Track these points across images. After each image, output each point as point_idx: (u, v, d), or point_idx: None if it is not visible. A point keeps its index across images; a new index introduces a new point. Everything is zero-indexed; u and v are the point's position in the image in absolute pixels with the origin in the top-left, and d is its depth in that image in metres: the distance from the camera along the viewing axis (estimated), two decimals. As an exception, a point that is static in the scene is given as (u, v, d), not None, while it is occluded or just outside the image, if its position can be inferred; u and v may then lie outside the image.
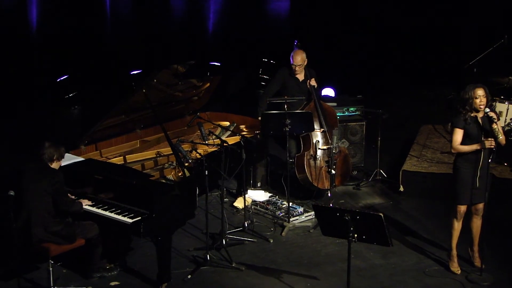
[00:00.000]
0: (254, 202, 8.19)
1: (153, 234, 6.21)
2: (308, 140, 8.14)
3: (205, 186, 6.60)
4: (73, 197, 6.40)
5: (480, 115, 6.34)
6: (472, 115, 6.33)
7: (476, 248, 6.72)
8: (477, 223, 6.63)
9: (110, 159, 7.30)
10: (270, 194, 8.42)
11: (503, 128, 8.61)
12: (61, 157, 6.24)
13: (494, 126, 6.25)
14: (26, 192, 6.09)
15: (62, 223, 6.16)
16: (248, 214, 7.84)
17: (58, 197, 6.11)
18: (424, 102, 12.11)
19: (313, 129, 8.04)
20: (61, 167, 6.36)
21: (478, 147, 6.27)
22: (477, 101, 6.28)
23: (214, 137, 7.43)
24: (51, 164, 6.17)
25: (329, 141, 8.05)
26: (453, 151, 6.49)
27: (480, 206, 6.53)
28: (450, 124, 6.46)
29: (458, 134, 6.34)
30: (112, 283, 6.47)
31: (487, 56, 9.69)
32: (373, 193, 8.75)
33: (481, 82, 6.45)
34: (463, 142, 6.37)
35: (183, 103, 8.10)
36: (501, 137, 6.33)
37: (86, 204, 6.37)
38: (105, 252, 6.53)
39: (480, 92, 6.28)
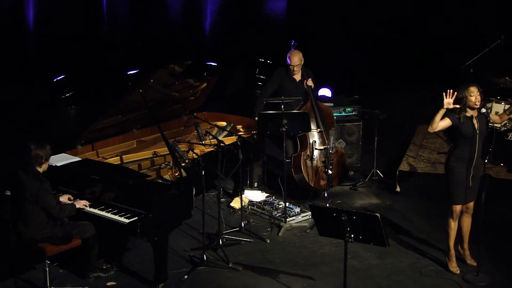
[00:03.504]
0: (250, 202, 8.19)
1: (149, 234, 6.20)
2: (305, 140, 8.14)
3: (202, 186, 6.60)
4: (63, 200, 6.37)
5: (475, 114, 6.36)
6: (467, 114, 6.34)
7: (466, 246, 6.75)
8: (467, 221, 6.67)
9: (106, 159, 7.30)
10: (266, 194, 8.41)
11: (499, 128, 8.61)
12: (48, 156, 6.15)
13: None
14: (20, 195, 6.06)
15: (56, 226, 6.14)
16: (245, 214, 7.84)
17: (45, 207, 6.05)
18: (421, 103, 12.10)
19: (309, 129, 8.05)
20: (58, 167, 6.34)
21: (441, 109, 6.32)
22: (472, 98, 6.30)
23: (211, 137, 7.42)
24: (40, 167, 6.10)
25: (326, 141, 8.05)
26: (430, 129, 6.45)
27: (471, 204, 6.58)
28: None
29: (444, 121, 6.34)
30: (109, 283, 6.46)
31: (484, 56, 9.71)
32: (369, 193, 8.75)
33: (477, 83, 6.47)
34: (457, 141, 6.41)
35: (180, 103, 8.09)
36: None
37: (82, 205, 6.36)
38: (102, 252, 6.52)
39: (473, 89, 6.32)
